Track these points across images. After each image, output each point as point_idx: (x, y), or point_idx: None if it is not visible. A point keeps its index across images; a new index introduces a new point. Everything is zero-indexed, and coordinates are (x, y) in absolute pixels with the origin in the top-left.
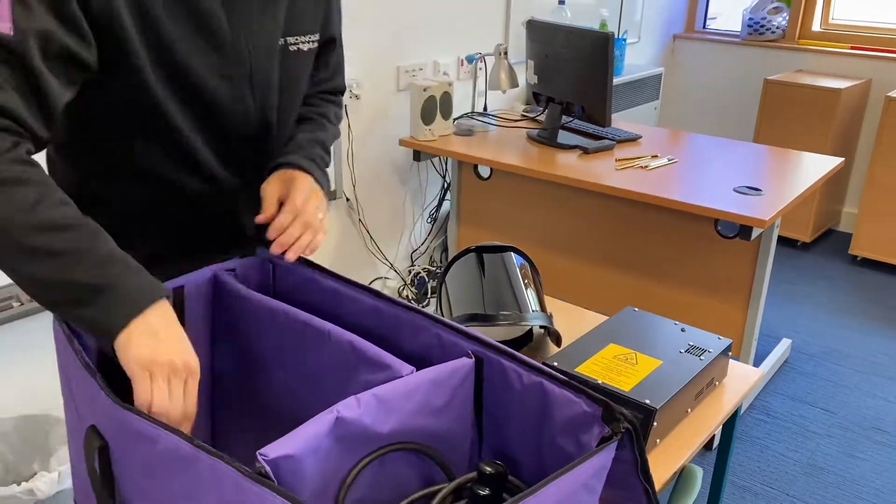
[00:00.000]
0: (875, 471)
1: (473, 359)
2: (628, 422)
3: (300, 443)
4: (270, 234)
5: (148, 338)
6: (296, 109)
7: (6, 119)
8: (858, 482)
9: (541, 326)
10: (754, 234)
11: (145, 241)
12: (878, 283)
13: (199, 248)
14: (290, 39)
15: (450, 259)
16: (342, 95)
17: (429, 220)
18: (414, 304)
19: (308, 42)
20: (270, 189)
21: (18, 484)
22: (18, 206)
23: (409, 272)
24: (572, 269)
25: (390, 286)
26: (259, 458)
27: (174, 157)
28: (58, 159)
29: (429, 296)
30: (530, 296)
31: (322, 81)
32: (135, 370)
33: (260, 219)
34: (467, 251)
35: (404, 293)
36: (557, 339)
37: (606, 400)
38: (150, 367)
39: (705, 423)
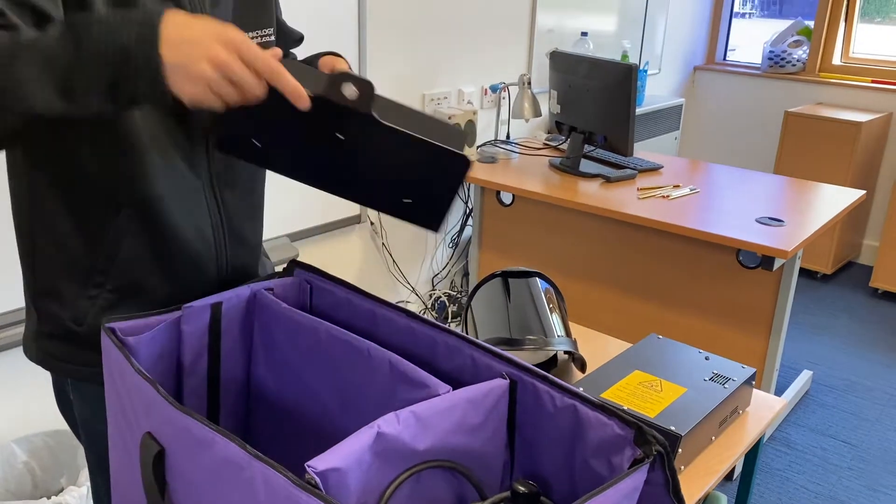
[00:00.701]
0: None
1: (508, 380)
2: (660, 444)
3: (345, 456)
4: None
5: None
6: None
7: None
8: None
9: (566, 352)
10: (776, 264)
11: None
12: None
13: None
14: (250, 34)
15: (474, 284)
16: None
17: (451, 245)
18: (447, 326)
19: (266, 36)
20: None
21: (49, 498)
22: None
23: (430, 296)
24: (593, 296)
25: (411, 310)
26: (308, 469)
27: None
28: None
29: (449, 320)
30: (555, 321)
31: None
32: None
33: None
34: (493, 276)
35: (425, 317)
36: (582, 365)
37: (639, 422)
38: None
39: (729, 451)
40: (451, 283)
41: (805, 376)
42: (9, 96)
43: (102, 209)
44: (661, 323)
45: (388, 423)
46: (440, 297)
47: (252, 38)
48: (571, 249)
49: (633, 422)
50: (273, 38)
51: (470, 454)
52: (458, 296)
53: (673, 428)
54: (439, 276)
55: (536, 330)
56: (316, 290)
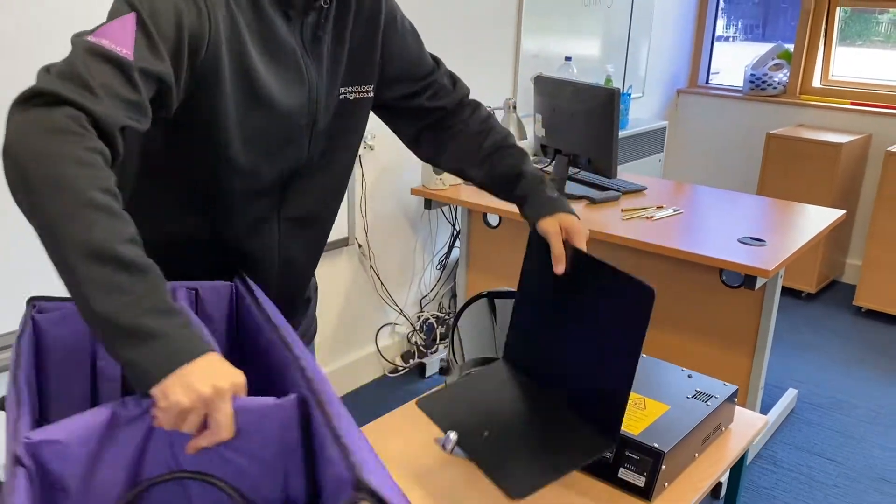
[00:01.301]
0: None
1: (294, 396)
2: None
3: (69, 431)
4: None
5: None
6: (344, 155)
7: (107, 137)
8: None
9: None
10: (758, 283)
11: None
12: (882, 334)
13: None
14: (348, 89)
15: (461, 304)
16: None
17: (438, 267)
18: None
19: (364, 92)
20: (556, 240)
21: None
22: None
23: (419, 318)
24: None
25: (400, 332)
26: (24, 439)
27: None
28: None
29: (437, 342)
30: None
31: (452, 101)
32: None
33: (560, 270)
34: (479, 296)
35: (413, 339)
36: None
37: (359, 477)
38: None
39: (712, 467)
40: (439, 304)
41: (790, 394)
42: (43, 222)
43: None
44: (647, 342)
45: (126, 406)
46: (428, 318)
47: (350, 91)
48: None
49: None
50: (371, 94)
51: (246, 465)
52: (446, 317)
53: (656, 445)
54: (427, 297)
55: None
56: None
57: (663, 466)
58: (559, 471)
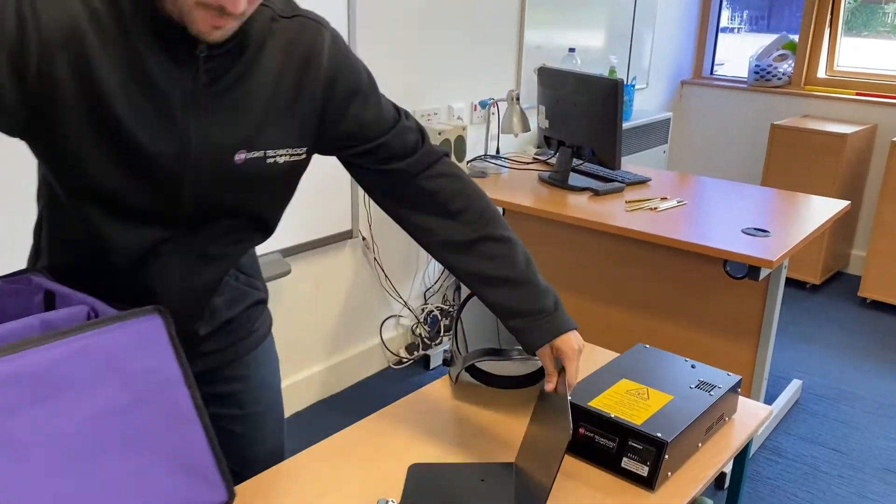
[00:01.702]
0: None
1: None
2: None
3: None
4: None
5: None
6: (267, 207)
7: None
8: None
9: None
10: (762, 274)
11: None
12: (887, 326)
13: None
14: (271, 152)
15: (465, 297)
16: (446, 157)
17: None
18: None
19: (282, 155)
20: (548, 363)
21: None
22: None
23: (423, 310)
24: (582, 308)
25: (404, 324)
26: None
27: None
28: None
29: (441, 334)
30: None
31: (413, 164)
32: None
33: (550, 388)
34: None
35: (417, 331)
36: None
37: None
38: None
39: (716, 457)
40: (444, 297)
41: (795, 385)
42: None
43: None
44: (650, 333)
45: None
46: (432, 310)
47: (277, 154)
48: (561, 262)
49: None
50: (304, 156)
51: None
52: (450, 309)
53: (659, 435)
54: (431, 290)
55: None
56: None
57: (666, 456)
58: None
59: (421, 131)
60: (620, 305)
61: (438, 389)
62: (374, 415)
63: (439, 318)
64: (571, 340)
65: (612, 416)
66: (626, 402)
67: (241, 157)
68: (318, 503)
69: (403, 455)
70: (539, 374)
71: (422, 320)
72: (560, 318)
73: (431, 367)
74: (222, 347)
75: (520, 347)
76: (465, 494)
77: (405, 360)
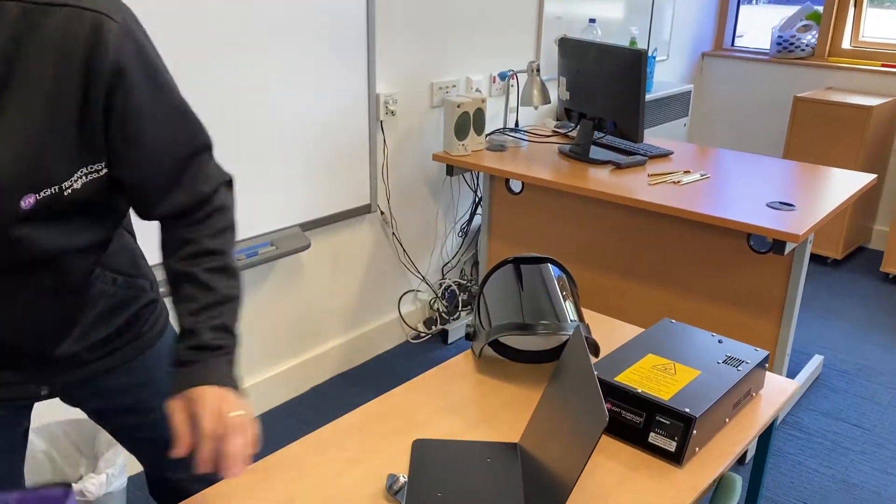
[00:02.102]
0: None
1: None
2: None
3: None
4: (201, 469)
5: None
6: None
7: None
8: (893, 499)
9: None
10: (788, 248)
11: None
12: None
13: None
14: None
15: (484, 272)
16: (215, 196)
17: (460, 234)
18: None
19: (79, 179)
20: (178, 416)
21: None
22: None
23: (441, 285)
24: (603, 283)
25: (422, 299)
26: None
27: None
28: None
29: (459, 309)
30: (568, 306)
31: (165, 210)
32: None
33: (179, 453)
34: (505, 262)
35: (435, 306)
36: (595, 350)
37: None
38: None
39: (743, 433)
40: (461, 271)
41: (816, 361)
42: None
43: None
44: (673, 308)
45: None
46: (450, 285)
47: (62, 190)
48: (581, 236)
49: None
50: (104, 172)
51: None
52: (469, 284)
53: (688, 410)
54: (449, 265)
55: (549, 315)
56: None
57: (694, 431)
58: None
59: (212, 202)
60: (642, 280)
61: (461, 363)
62: (397, 388)
63: (457, 293)
64: (205, 397)
65: (640, 391)
66: (653, 378)
67: (28, 201)
68: (337, 478)
69: (423, 430)
70: (562, 349)
71: (440, 295)
72: (212, 370)
73: (449, 342)
74: (103, 356)
75: (545, 322)
76: (472, 473)
77: (423, 334)
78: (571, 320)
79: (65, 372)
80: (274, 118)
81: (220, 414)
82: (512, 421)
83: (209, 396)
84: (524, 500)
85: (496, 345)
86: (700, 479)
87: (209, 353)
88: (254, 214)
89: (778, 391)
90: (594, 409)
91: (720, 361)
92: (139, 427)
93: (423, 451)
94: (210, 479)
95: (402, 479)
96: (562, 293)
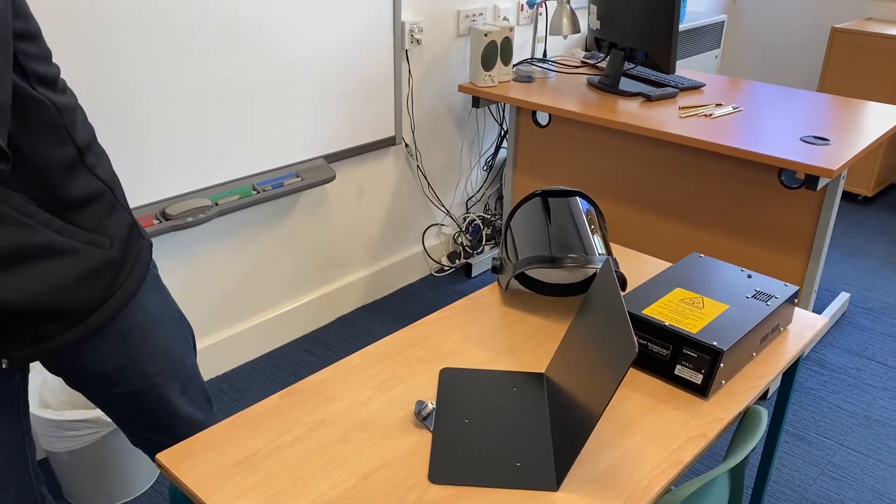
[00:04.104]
0: None
1: None
2: None
3: None
4: None
5: None
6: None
7: None
8: None
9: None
10: (821, 183)
11: None
12: None
13: None
14: None
15: (509, 207)
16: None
17: (485, 168)
18: None
19: None
20: None
21: None
22: None
23: (465, 219)
24: (630, 217)
25: (446, 232)
26: None
27: None
28: None
29: (483, 243)
30: (596, 240)
31: None
32: None
33: None
34: (533, 195)
35: (459, 240)
36: (623, 283)
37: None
38: None
39: (769, 367)
40: (486, 206)
41: (842, 298)
42: None
43: None
44: (700, 243)
45: None
46: (474, 219)
47: None
48: (609, 170)
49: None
50: None
51: None
52: (493, 219)
53: (715, 343)
54: (473, 199)
55: (577, 248)
56: None
57: (721, 365)
58: (488, 481)
59: None
60: (670, 215)
61: (487, 296)
62: (425, 319)
63: (481, 227)
64: None
65: (667, 324)
66: (681, 311)
67: None
68: (366, 403)
69: (450, 359)
70: (589, 282)
71: (463, 229)
72: None
73: (473, 276)
74: (63, 331)
75: (573, 255)
76: (498, 401)
77: (447, 268)
78: (599, 254)
79: (20, 346)
80: (298, 48)
81: None
82: (537, 352)
83: None
84: (550, 428)
85: (523, 278)
86: (726, 411)
87: None
88: (279, 146)
89: (806, 327)
90: (623, 340)
91: (749, 296)
92: (131, 396)
93: (450, 380)
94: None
95: (430, 405)
96: (590, 227)
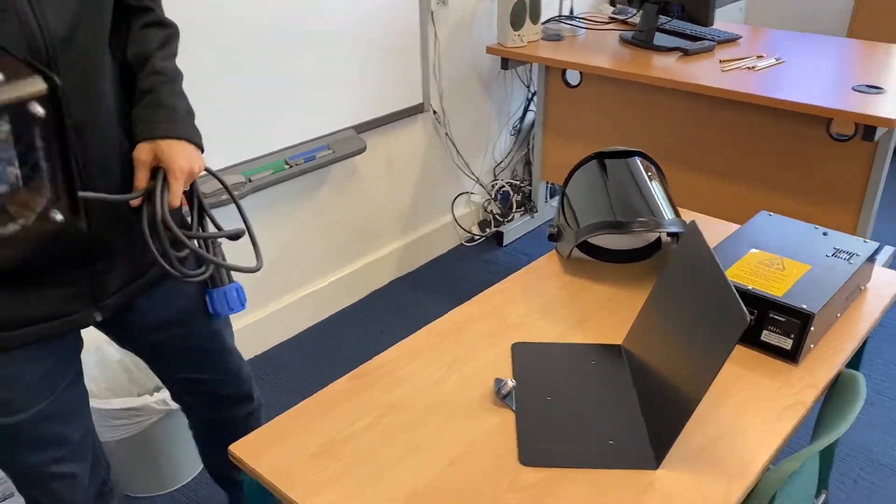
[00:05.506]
0: None
1: None
2: None
3: None
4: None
5: None
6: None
7: None
8: None
9: (673, 234)
10: (878, 134)
11: None
12: None
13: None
14: None
15: (537, 171)
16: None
17: (512, 133)
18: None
19: None
20: (141, 170)
21: (150, 394)
22: None
23: (493, 187)
24: (671, 177)
25: (475, 201)
26: None
27: None
28: None
29: (513, 210)
30: (662, 202)
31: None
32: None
33: (135, 203)
34: (589, 158)
35: (489, 208)
36: None
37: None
38: None
39: (854, 328)
40: (513, 172)
41: (887, 253)
42: None
43: None
44: (745, 201)
45: None
46: (503, 186)
47: None
48: (647, 129)
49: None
50: None
51: None
52: (522, 185)
53: (805, 306)
54: (500, 165)
55: (644, 211)
56: None
57: (812, 328)
58: (582, 462)
59: None
60: (712, 173)
61: (546, 265)
62: (486, 292)
63: (511, 194)
64: (182, 152)
65: (750, 287)
66: (762, 273)
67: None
68: (438, 384)
69: (518, 333)
70: (652, 248)
71: (493, 197)
72: (182, 123)
73: (504, 244)
74: (147, 268)
75: (642, 219)
76: (578, 375)
77: (477, 237)
78: (668, 217)
79: (113, 290)
80: (323, 15)
81: (188, 174)
82: (609, 322)
83: (185, 154)
84: (639, 403)
85: (583, 245)
86: (818, 377)
87: (172, 85)
88: (309, 118)
89: (886, 284)
90: (729, 310)
91: (829, 255)
92: (177, 338)
93: (524, 355)
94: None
95: (510, 383)
96: (654, 188)
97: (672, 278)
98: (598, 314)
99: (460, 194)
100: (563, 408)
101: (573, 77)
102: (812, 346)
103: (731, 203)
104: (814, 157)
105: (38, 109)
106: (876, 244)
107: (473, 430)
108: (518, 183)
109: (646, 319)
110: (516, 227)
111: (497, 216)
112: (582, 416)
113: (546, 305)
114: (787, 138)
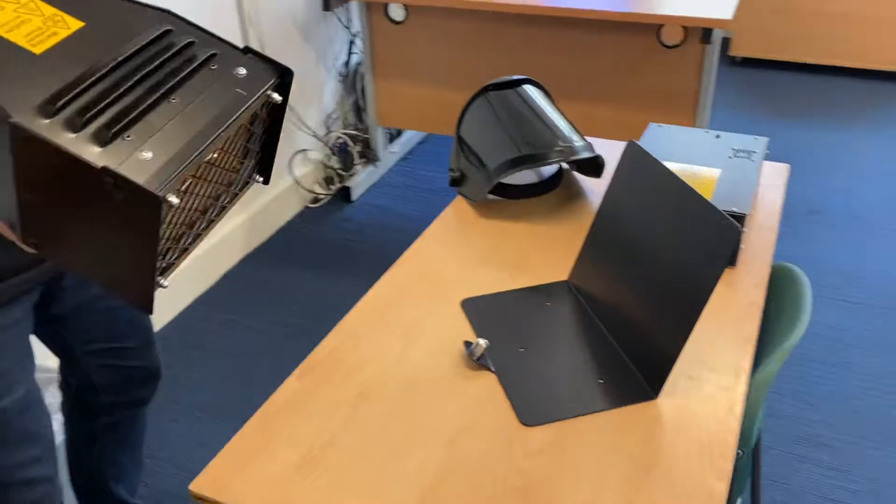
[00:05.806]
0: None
1: None
2: None
3: None
4: None
5: None
6: None
7: None
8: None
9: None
10: (714, 36)
11: None
12: (755, 79)
13: None
14: None
15: (371, 118)
16: None
17: (339, 80)
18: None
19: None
20: None
21: None
22: None
23: (329, 140)
24: None
25: (312, 157)
26: None
27: None
28: None
29: (355, 162)
30: (566, 126)
31: None
32: None
33: None
34: (477, 95)
35: (330, 163)
36: (600, 168)
37: None
38: None
39: (769, 219)
40: (345, 121)
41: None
42: None
43: None
44: (589, 118)
45: None
46: (340, 137)
47: None
48: (480, 61)
49: None
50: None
51: None
52: (359, 134)
53: (735, 209)
54: (331, 116)
55: (553, 140)
56: None
57: (745, 229)
58: (583, 408)
59: None
60: (556, 95)
61: (457, 213)
62: (407, 252)
63: (350, 145)
64: None
65: None
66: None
67: None
68: (401, 358)
69: (459, 289)
70: (557, 177)
71: (332, 150)
72: None
73: (353, 199)
74: None
75: (558, 147)
76: (538, 320)
77: (322, 196)
78: (578, 142)
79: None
80: None
81: None
82: (548, 259)
83: None
84: (608, 334)
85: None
86: (758, 276)
87: None
88: None
89: (776, 176)
90: (709, 223)
91: (731, 157)
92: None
93: (477, 310)
94: None
95: (483, 343)
96: (555, 114)
97: (617, 204)
98: (534, 254)
99: (297, 153)
100: (540, 357)
101: (397, 13)
102: (743, 245)
103: (581, 124)
104: (649, 67)
105: None
106: (765, 138)
107: (459, 402)
108: (355, 133)
109: (594, 249)
110: (362, 180)
111: (339, 171)
112: (563, 362)
113: (478, 255)
114: (621, 50)
